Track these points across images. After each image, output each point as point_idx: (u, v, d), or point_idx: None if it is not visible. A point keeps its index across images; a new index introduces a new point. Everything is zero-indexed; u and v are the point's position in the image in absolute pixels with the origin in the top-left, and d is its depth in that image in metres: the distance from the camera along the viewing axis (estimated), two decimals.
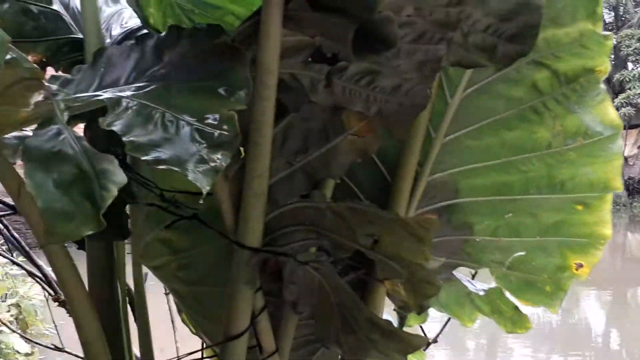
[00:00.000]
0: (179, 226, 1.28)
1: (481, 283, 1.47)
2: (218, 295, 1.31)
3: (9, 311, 5.54)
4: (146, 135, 0.84)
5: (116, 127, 0.84)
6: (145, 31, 1.56)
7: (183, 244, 1.37)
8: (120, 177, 0.81)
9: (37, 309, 5.64)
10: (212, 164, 0.83)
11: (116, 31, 1.63)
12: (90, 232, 0.77)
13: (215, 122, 0.88)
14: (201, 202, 0.81)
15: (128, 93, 0.97)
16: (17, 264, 1.98)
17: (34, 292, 5.59)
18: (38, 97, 0.98)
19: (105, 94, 0.97)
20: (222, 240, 1.19)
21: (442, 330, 1.94)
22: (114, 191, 0.79)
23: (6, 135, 1.02)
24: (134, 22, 1.62)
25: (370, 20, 0.94)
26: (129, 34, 1.60)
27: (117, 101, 0.89)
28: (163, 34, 1.15)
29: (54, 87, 0.93)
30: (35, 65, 0.81)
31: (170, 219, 1.30)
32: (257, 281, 1.13)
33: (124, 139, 0.83)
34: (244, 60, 1.01)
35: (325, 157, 1.18)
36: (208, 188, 0.80)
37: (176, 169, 0.81)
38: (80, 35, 1.50)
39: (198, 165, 0.82)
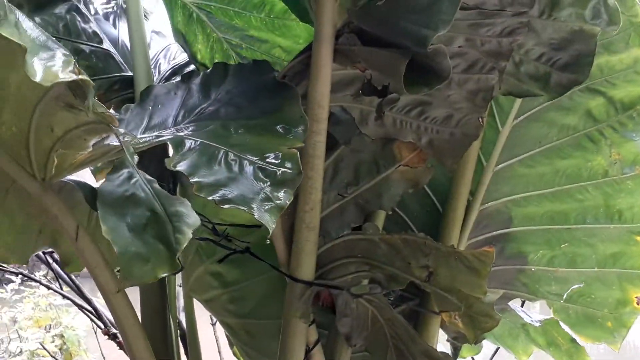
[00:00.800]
0: (229, 259, 1.29)
1: (537, 314, 1.44)
2: (270, 328, 1.31)
3: (52, 341, 5.59)
4: (212, 176, 0.85)
5: (182, 168, 0.85)
6: (192, 67, 1.59)
7: (233, 277, 1.38)
8: (193, 219, 0.81)
9: (80, 339, 5.68)
10: (277, 202, 0.84)
11: (164, 67, 1.66)
12: (165, 274, 0.77)
13: (277, 161, 0.89)
14: (268, 241, 0.81)
15: (187, 132, 0.98)
16: (68, 298, 2.01)
17: (77, 323, 5.63)
18: (97, 139, 1.00)
19: (167, 134, 0.98)
20: (272, 273, 1.19)
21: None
22: (189, 234, 0.80)
23: None
24: (182, 57, 1.65)
25: (422, 53, 0.94)
26: (177, 70, 1.63)
27: (180, 142, 0.90)
28: (209, 70, 1.17)
29: (122, 130, 0.95)
30: (107, 110, 0.82)
31: (219, 252, 1.30)
32: (311, 314, 1.13)
33: (191, 179, 0.84)
34: (295, 97, 1.02)
35: (376, 188, 1.18)
36: (274, 226, 0.81)
37: (242, 207, 0.82)
38: (130, 73, 1.53)
39: (263, 203, 0.83)
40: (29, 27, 0.79)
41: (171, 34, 1.60)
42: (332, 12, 1.02)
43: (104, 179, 1.18)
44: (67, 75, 0.73)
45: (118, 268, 1.25)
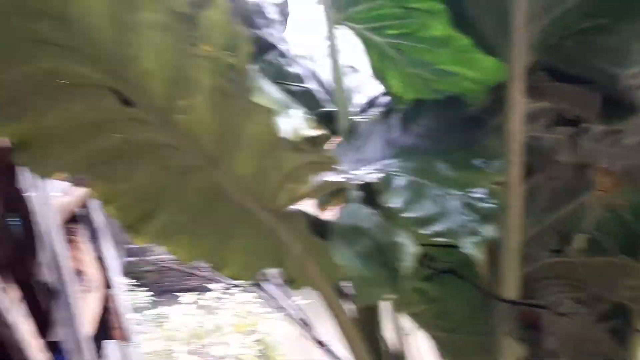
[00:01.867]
0: (433, 278, 1.40)
1: None
2: (476, 344, 1.40)
3: (251, 347, 5.97)
4: (422, 211, 0.97)
5: (394, 204, 0.98)
6: (387, 99, 1.73)
7: (437, 294, 1.48)
8: (413, 248, 0.94)
9: (278, 345, 6.03)
10: (483, 235, 0.94)
11: (360, 99, 1.81)
12: (389, 297, 0.90)
13: (481, 195, 0.99)
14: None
15: (394, 169, 1.11)
16: (275, 305, 2.22)
17: (275, 329, 5.98)
18: (318, 176, 1.16)
19: (375, 171, 1.11)
20: (473, 291, 1.28)
21: None
22: (410, 262, 0.92)
23: None
24: (376, 89, 1.79)
25: (613, 89, 1.00)
26: (372, 101, 1.78)
27: (389, 178, 1.03)
28: (406, 106, 1.28)
29: (344, 168, 1.10)
30: (331, 153, 0.97)
31: (424, 271, 1.41)
32: (517, 331, 1.20)
33: (402, 215, 0.97)
34: (491, 131, 1.11)
35: (573, 213, 1.23)
36: (481, 257, 0.91)
37: (452, 241, 0.93)
38: (328, 108, 1.70)
39: (469, 237, 0.94)
40: (271, 91, 0.97)
41: (364, 68, 1.75)
42: (525, 54, 1.10)
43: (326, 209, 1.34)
44: (308, 132, 0.89)
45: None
